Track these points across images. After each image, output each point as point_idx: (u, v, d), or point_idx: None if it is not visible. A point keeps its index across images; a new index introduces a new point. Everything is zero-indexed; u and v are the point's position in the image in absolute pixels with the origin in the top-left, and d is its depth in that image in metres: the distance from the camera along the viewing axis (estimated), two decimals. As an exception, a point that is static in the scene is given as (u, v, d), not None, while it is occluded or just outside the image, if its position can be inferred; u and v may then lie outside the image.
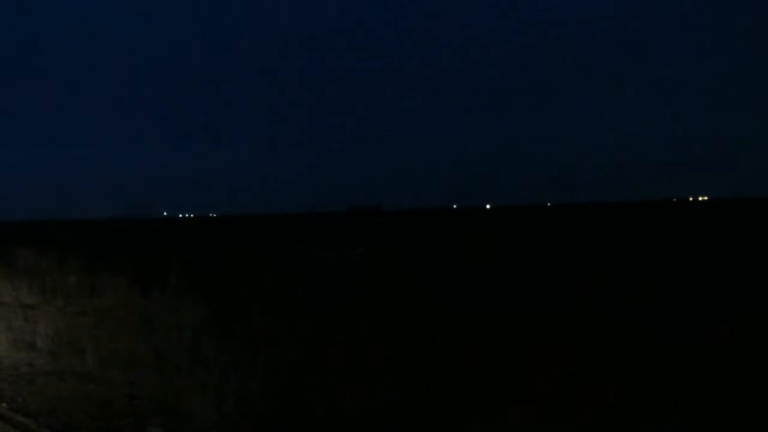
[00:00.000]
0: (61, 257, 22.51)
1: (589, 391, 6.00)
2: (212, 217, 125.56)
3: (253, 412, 8.32)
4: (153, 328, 12.60)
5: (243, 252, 16.16)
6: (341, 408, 8.01)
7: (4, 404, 9.44)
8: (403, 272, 11.48)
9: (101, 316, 14.52)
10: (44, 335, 12.55)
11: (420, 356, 9.27)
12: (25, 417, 8.83)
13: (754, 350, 5.42)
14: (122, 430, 8.41)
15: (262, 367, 9.26)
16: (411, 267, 13.02)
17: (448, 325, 8.34)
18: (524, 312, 7.28)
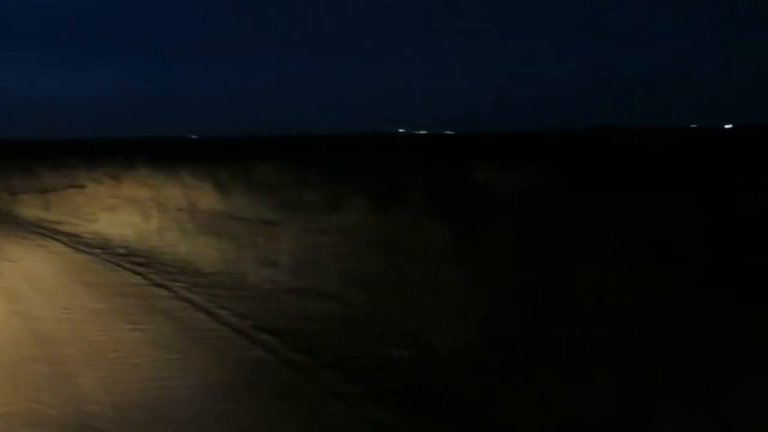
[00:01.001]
0: (301, 173, 23.14)
1: None
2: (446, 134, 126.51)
3: (498, 339, 8.05)
4: (395, 248, 12.58)
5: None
6: (592, 335, 7.59)
7: (249, 322, 9.64)
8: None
9: (342, 234, 14.70)
10: (285, 252, 12.75)
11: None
12: (270, 336, 8.98)
13: None
14: (366, 351, 8.36)
15: (507, 292, 8.97)
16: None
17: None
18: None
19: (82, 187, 27.26)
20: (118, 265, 13.92)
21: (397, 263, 11.26)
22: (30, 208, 24.37)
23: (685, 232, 8.52)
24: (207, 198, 20.14)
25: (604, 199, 12.28)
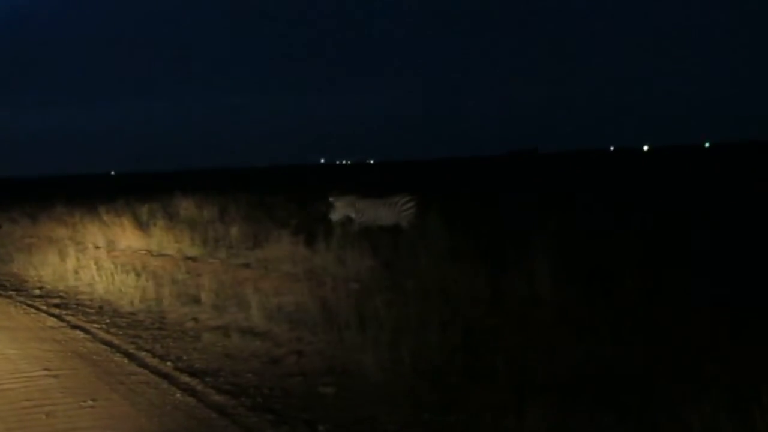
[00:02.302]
0: (223, 207, 22.84)
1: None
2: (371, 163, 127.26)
3: (429, 371, 7.82)
4: (320, 282, 12.35)
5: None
6: (527, 367, 7.44)
7: (169, 363, 9.27)
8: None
9: (266, 269, 14.43)
10: (208, 288, 12.40)
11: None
12: (191, 377, 8.63)
13: None
14: (292, 390, 8.05)
15: (437, 322, 8.79)
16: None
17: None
18: None
19: (-3, 226, 26.55)
20: (32, 307, 13.34)
21: (322, 296, 11.02)
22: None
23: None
24: (126, 235, 19.71)
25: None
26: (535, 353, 7.71)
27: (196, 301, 12.27)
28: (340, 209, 16.59)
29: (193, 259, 16.44)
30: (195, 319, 11.40)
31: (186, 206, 24.14)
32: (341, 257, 13.55)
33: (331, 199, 16.89)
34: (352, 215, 16.52)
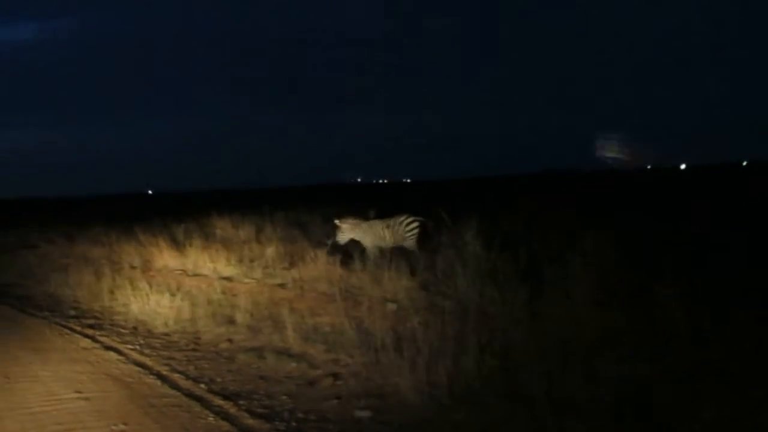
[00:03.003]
0: (259, 226, 22.67)
1: None
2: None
3: (468, 395, 7.56)
4: (357, 302, 12.14)
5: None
6: (567, 389, 7.16)
7: (202, 385, 9.09)
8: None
9: (302, 289, 14.24)
10: (243, 309, 12.23)
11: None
12: (224, 400, 8.44)
13: None
14: (327, 413, 7.83)
15: (475, 343, 8.53)
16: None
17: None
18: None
19: (35, 247, 26.62)
20: (66, 327, 13.25)
21: (358, 317, 10.80)
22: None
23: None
24: (162, 255, 19.62)
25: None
26: (575, 376, 7.43)
27: (231, 321, 12.11)
28: (346, 232, 16.38)
29: (229, 279, 16.30)
30: (230, 340, 11.24)
31: (222, 226, 24.07)
32: (378, 277, 13.33)
33: (336, 221, 16.69)
34: (357, 237, 16.31)
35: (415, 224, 15.72)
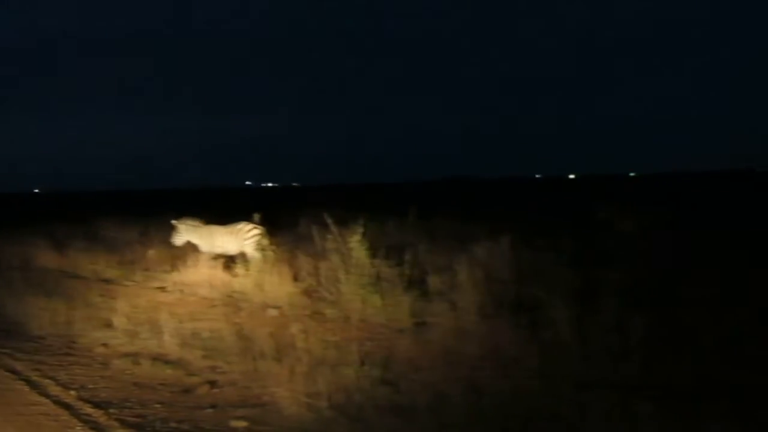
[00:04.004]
0: (145, 228, 22.07)
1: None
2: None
3: (348, 406, 7.30)
4: (243, 308, 11.83)
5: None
6: (449, 402, 7.01)
7: (73, 392, 8.59)
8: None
9: (184, 293, 13.83)
10: (122, 312, 11.72)
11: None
12: (95, 408, 7.95)
13: None
14: (202, 423, 7.46)
15: (357, 354, 8.34)
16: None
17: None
18: None
19: None
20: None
21: (238, 323, 10.48)
22: None
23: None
24: (41, 255, 18.90)
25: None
26: (457, 388, 7.26)
27: (108, 325, 11.56)
28: (183, 233, 15.98)
29: (108, 281, 15.72)
30: (105, 345, 10.71)
31: (106, 227, 23.37)
32: (260, 282, 12.99)
33: (173, 222, 16.22)
34: (195, 241, 15.92)
35: (256, 232, 15.42)
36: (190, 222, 16.04)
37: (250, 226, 15.46)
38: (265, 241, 15.08)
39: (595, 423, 6.21)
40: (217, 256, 15.55)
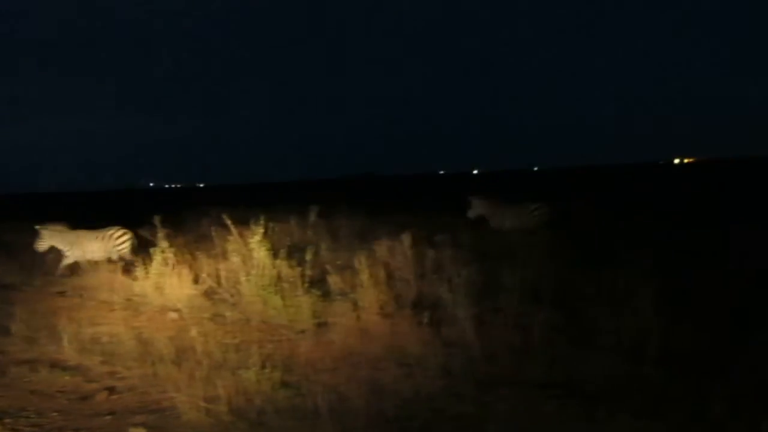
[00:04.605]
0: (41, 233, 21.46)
1: None
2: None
3: (248, 410, 7.27)
4: (137, 311, 11.67)
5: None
6: (352, 404, 7.04)
7: (-35, 403, 8.35)
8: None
9: (83, 297, 13.57)
10: (20, 318, 11.44)
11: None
12: (-12, 418, 7.74)
13: None
14: (100, 431, 7.34)
15: (257, 356, 8.31)
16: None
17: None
18: None
19: None
20: None
21: (138, 327, 10.35)
22: None
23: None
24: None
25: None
26: (360, 390, 7.30)
27: (5, 331, 11.27)
28: (47, 239, 15.73)
29: (6, 286, 15.32)
30: (2, 352, 10.42)
31: (4, 229, 22.76)
32: (160, 285, 12.83)
33: (36, 227, 15.95)
34: (60, 246, 15.70)
35: (126, 237, 15.29)
36: (54, 227, 15.72)
37: (121, 231, 15.25)
38: (134, 245, 14.94)
39: (499, 423, 6.32)
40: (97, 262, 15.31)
